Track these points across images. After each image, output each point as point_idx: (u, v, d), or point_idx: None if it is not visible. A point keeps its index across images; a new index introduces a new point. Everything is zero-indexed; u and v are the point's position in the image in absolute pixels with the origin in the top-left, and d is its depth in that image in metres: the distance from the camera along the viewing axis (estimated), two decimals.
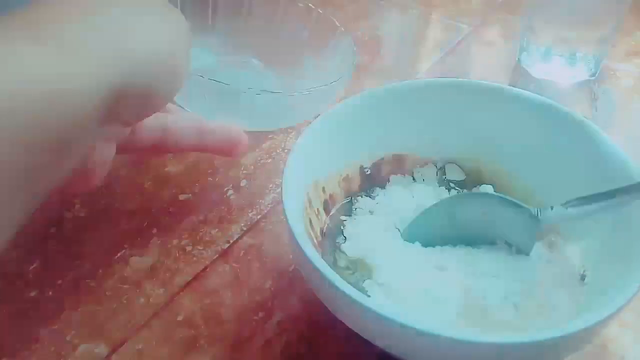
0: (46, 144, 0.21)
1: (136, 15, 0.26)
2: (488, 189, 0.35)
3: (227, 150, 0.36)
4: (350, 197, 0.35)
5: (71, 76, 0.21)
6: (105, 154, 0.28)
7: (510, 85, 0.37)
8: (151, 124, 0.32)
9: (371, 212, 0.34)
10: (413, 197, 0.35)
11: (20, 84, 0.20)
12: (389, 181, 0.36)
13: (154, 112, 0.28)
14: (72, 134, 0.22)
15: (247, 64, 0.45)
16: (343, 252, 0.32)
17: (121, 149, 0.31)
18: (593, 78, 0.49)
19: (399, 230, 0.33)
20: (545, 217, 0.30)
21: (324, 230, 0.33)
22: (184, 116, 0.35)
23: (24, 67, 0.20)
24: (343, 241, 0.33)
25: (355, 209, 0.34)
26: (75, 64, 0.22)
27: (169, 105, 0.31)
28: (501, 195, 0.32)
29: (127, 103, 0.25)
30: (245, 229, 0.36)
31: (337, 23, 0.44)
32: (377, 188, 0.36)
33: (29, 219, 0.23)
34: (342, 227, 0.33)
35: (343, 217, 0.34)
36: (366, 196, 0.35)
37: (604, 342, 0.30)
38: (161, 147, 0.34)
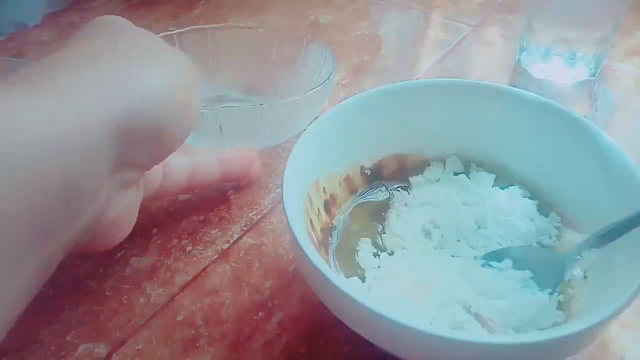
0: (52, 192, 0.20)
1: (138, 56, 0.25)
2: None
3: (245, 175, 0.38)
4: (386, 188, 0.36)
5: (70, 119, 0.21)
6: (125, 203, 0.26)
7: (510, 85, 0.37)
8: (179, 166, 0.33)
9: (406, 205, 0.35)
10: (441, 191, 0.35)
11: (15, 132, 0.19)
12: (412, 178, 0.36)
13: (170, 153, 0.27)
14: (81, 179, 0.21)
15: (228, 97, 0.46)
16: (382, 242, 0.33)
17: (156, 196, 0.32)
18: (593, 78, 0.49)
19: (439, 228, 0.33)
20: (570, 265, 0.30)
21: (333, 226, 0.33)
22: (202, 152, 0.36)
23: (19, 116, 0.20)
24: (383, 232, 0.33)
25: (392, 203, 0.35)
26: (74, 107, 0.21)
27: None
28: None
29: (138, 144, 0.24)
30: (245, 229, 0.36)
31: (298, 35, 0.45)
32: (410, 182, 0.36)
33: (48, 279, 0.22)
34: (383, 216, 0.34)
35: (384, 212, 0.35)
36: (403, 190, 0.36)
37: (604, 342, 0.30)
38: (192, 187, 0.35)
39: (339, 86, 0.49)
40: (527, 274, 0.30)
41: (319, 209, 0.32)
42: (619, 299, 0.23)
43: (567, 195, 0.33)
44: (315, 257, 0.24)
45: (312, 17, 0.59)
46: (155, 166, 0.28)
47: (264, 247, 0.35)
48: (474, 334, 0.26)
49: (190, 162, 0.34)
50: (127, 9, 0.61)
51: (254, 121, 0.37)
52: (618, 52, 0.52)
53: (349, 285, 0.23)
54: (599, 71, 0.49)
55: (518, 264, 0.31)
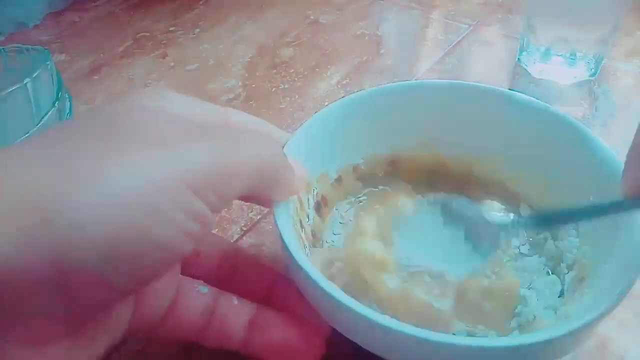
0: None
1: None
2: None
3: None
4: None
5: None
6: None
7: (510, 85, 0.37)
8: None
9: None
10: None
11: None
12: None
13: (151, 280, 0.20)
14: None
15: None
16: None
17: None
18: (593, 78, 0.49)
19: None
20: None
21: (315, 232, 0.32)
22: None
23: None
24: None
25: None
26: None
27: None
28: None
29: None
30: (245, 229, 0.36)
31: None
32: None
33: None
34: None
35: None
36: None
37: (604, 342, 0.30)
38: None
39: (339, 86, 0.49)
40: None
41: (309, 211, 0.31)
42: (611, 298, 0.23)
43: (561, 201, 0.33)
44: (307, 263, 0.24)
45: (312, 17, 0.59)
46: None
47: (264, 247, 0.35)
48: (467, 338, 0.26)
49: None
50: (127, 9, 0.61)
51: None
52: (618, 52, 0.52)
53: (339, 290, 0.23)
54: (599, 71, 0.49)
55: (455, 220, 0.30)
